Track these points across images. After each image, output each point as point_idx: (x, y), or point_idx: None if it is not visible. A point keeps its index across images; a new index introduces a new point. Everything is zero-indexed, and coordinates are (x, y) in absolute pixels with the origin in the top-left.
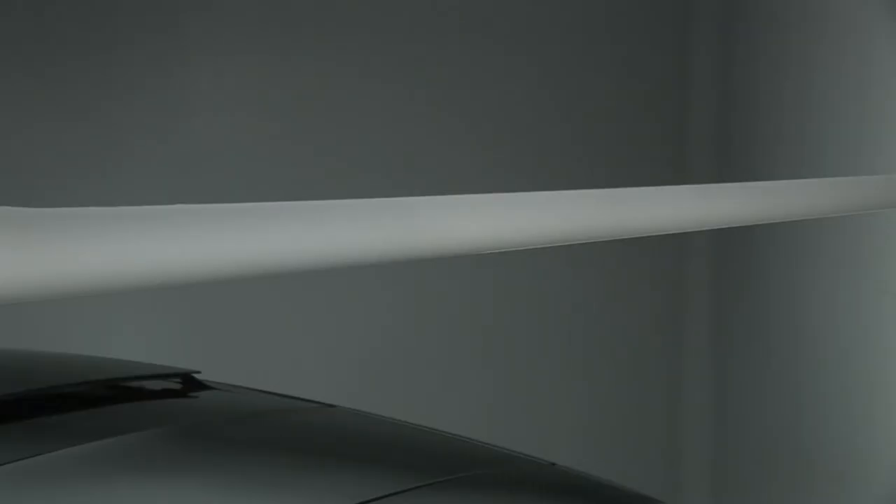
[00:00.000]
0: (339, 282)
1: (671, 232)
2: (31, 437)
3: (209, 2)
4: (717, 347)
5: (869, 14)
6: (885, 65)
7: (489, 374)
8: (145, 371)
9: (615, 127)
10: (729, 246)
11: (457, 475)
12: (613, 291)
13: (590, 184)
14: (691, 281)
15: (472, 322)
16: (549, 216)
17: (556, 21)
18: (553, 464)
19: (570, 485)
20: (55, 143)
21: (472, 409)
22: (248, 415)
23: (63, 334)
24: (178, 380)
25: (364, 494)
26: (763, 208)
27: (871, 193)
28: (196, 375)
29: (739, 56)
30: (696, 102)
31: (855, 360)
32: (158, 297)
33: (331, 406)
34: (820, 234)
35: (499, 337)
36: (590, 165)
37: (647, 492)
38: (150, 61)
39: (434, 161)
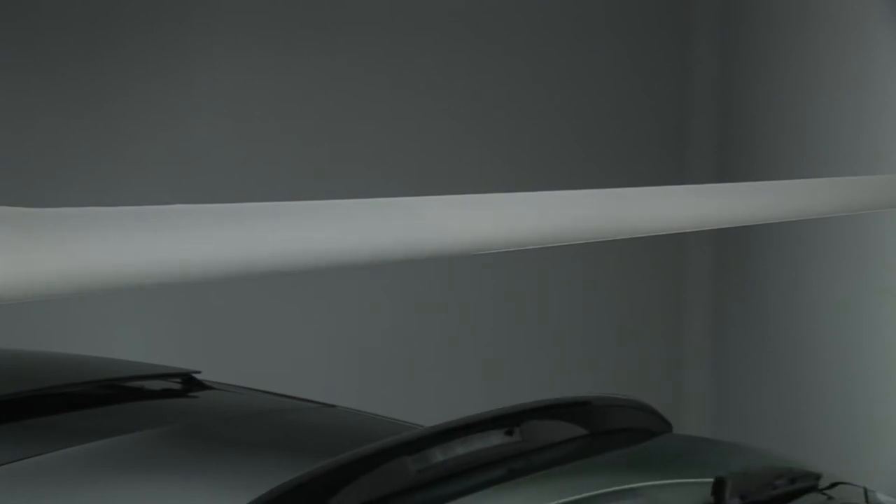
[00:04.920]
0: (339, 282)
1: (672, 232)
2: (31, 437)
3: (210, 2)
4: (717, 346)
5: (869, 14)
6: (885, 65)
7: (489, 373)
8: (145, 371)
9: (615, 127)
10: (729, 246)
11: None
12: (614, 290)
13: (590, 184)
14: (691, 280)
15: (471, 321)
16: (550, 216)
17: (556, 21)
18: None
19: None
20: (55, 143)
21: (472, 408)
22: (248, 415)
23: (63, 334)
24: (178, 380)
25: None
26: (763, 208)
27: (871, 193)
28: (196, 375)
29: (740, 56)
30: (697, 103)
31: (855, 360)
32: (158, 297)
33: (331, 406)
34: (820, 234)
35: (498, 336)
36: (590, 165)
37: None
38: (150, 61)
39: (435, 161)
